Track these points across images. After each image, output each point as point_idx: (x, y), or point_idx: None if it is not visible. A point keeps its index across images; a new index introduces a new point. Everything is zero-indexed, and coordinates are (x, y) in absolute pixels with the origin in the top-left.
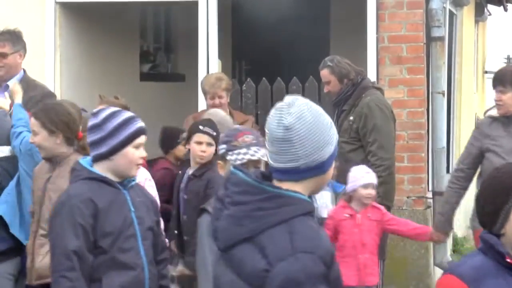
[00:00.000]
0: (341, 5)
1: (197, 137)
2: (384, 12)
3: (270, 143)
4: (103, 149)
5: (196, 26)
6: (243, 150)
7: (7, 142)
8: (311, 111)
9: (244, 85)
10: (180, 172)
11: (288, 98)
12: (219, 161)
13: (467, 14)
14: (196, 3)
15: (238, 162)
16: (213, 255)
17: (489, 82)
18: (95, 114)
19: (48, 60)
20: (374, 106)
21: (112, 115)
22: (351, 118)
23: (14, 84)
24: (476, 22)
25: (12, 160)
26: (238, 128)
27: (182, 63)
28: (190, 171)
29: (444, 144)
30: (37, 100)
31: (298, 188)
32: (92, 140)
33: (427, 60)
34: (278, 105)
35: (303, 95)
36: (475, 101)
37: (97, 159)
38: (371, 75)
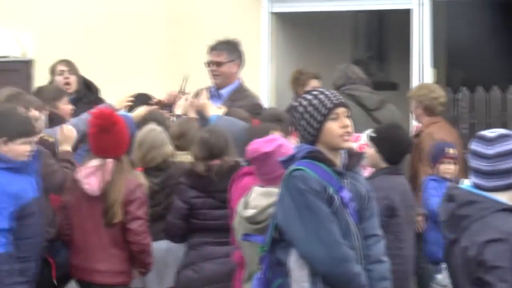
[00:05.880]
0: None
1: None
2: None
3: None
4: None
5: (409, 34)
6: None
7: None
8: None
9: (459, 94)
10: None
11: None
12: None
13: None
14: (409, 11)
15: None
16: None
17: None
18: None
19: (262, 69)
20: None
21: (503, 138)
22: None
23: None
24: None
25: None
26: None
27: (395, 72)
28: None
29: None
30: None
31: None
32: (500, 169)
33: None
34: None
35: None
36: None
37: (502, 188)
38: None
